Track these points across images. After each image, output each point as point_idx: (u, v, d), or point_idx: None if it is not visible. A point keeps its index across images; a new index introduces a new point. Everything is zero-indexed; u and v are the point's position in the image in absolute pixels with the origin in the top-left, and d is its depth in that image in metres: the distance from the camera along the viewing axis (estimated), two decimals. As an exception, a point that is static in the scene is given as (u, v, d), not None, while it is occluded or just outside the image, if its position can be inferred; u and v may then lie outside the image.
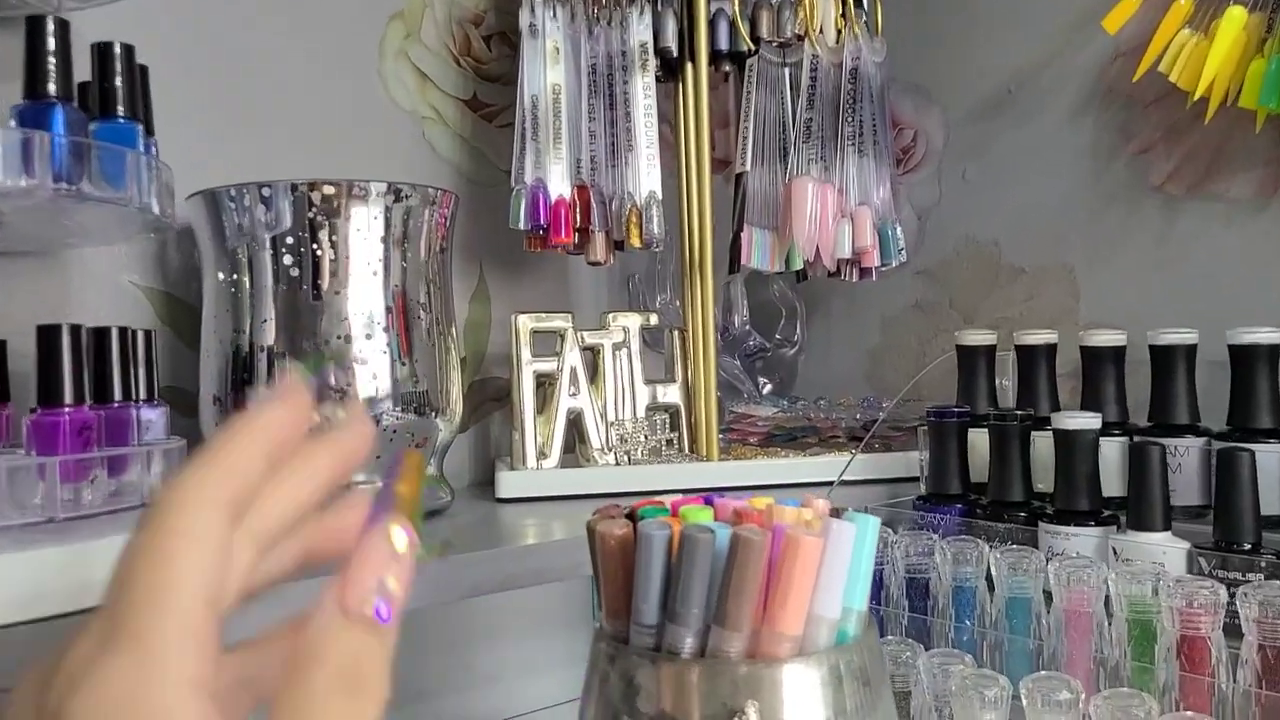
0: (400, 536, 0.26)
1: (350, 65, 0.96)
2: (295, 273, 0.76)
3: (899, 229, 0.95)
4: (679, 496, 0.50)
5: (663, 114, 0.96)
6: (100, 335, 0.64)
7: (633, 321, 0.97)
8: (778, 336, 1.15)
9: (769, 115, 0.96)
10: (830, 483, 0.90)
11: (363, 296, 0.77)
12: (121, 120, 0.65)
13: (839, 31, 0.97)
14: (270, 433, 0.28)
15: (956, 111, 1.03)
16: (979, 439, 0.83)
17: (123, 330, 0.66)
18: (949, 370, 0.89)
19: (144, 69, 0.69)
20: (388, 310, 0.77)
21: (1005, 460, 0.79)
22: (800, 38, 0.97)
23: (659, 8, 0.96)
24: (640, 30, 0.94)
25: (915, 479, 0.88)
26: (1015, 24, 0.98)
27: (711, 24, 0.97)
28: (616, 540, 0.45)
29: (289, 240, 0.75)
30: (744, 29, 0.96)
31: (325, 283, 0.76)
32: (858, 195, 0.93)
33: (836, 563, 0.42)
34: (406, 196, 0.78)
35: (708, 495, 0.49)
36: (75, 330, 0.62)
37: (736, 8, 0.96)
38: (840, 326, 1.13)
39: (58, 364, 0.60)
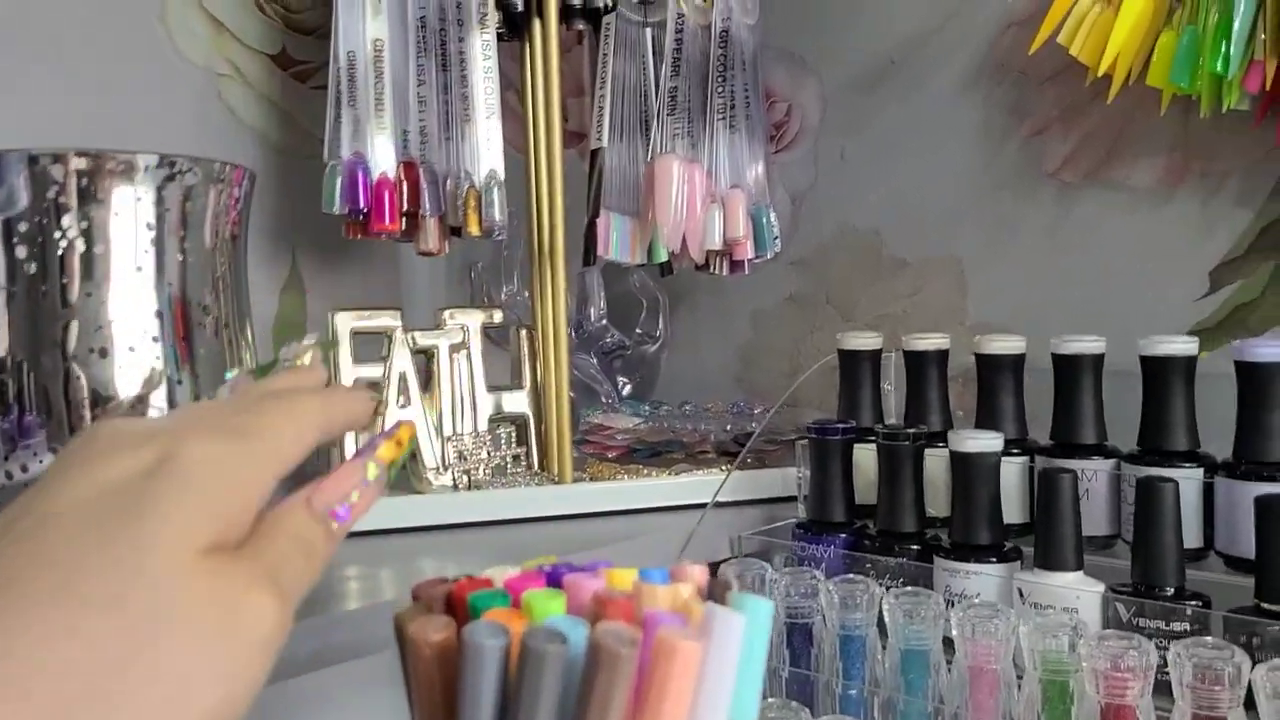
0: (375, 469, 0.31)
1: (124, 10, 0.79)
2: (32, 269, 0.60)
3: (773, 215, 0.84)
4: (517, 574, 0.38)
5: (507, 78, 0.83)
6: None
7: (473, 319, 0.83)
8: (638, 331, 1.04)
9: (628, 83, 0.83)
10: (702, 505, 0.79)
11: (125, 299, 0.61)
12: None
13: (705, -11, 0.86)
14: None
15: (834, 83, 0.93)
16: (864, 457, 0.74)
17: None
18: (826, 372, 0.79)
19: None
20: (159, 315, 0.62)
21: (896, 484, 0.69)
22: (663, -8, 0.85)
23: (499, -48, 0.83)
24: (479, -20, 0.80)
25: (793, 498, 0.79)
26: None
27: (563, -28, 0.84)
28: (434, 649, 0.33)
29: (23, 227, 0.59)
30: (600, -20, 0.83)
31: (74, 283, 0.60)
32: (729, 177, 0.82)
33: (722, 667, 0.32)
34: (184, 172, 0.63)
35: (557, 567, 0.37)
36: None
37: (593, -45, 0.83)
38: (707, 321, 1.02)
39: None
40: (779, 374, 0.97)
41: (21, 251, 0.59)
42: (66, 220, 0.59)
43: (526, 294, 1.02)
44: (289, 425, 0.30)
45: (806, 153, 0.95)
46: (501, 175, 0.79)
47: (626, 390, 1.04)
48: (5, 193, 0.59)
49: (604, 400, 1.03)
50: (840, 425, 0.73)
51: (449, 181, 0.80)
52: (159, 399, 0.62)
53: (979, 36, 0.84)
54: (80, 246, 0.60)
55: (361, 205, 0.77)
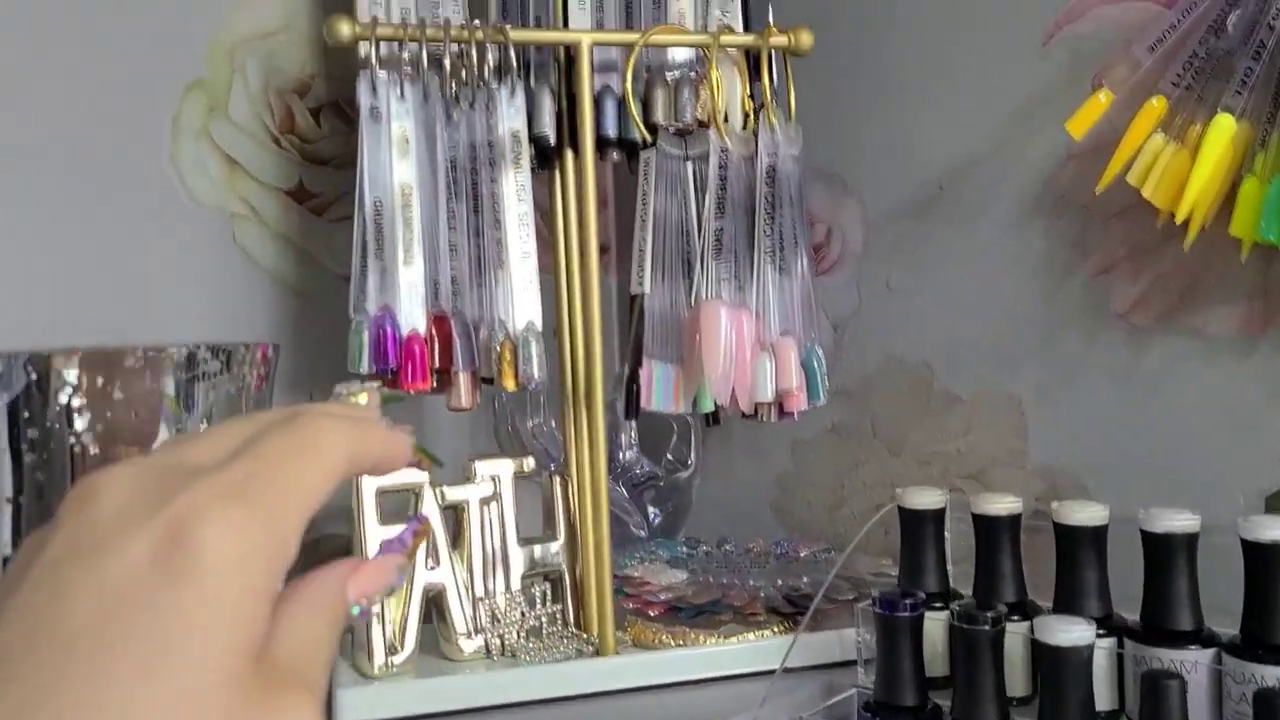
0: (406, 567, 0.29)
1: (135, 150, 0.74)
2: (40, 477, 0.54)
3: (821, 355, 0.79)
4: None
5: (537, 202, 0.78)
6: None
7: (504, 468, 0.78)
8: (669, 458, 0.99)
9: (670, 221, 0.79)
10: (757, 673, 0.74)
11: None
12: None
13: (746, 115, 0.81)
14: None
15: (877, 207, 0.89)
16: (934, 628, 0.69)
17: None
18: (873, 509, 0.75)
19: None
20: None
21: (974, 670, 0.64)
22: (703, 124, 0.80)
23: (532, 85, 0.78)
24: (511, 115, 0.75)
25: (851, 663, 0.74)
26: (948, 109, 0.84)
27: (597, 104, 0.79)
28: None
29: (32, 433, 0.54)
30: (636, 112, 0.79)
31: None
32: (779, 322, 0.77)
33: None
34: (204, 362, 0.58)
35: None
36: None
37: (628, 85, 0.78)
38: (742, 449, 0.97)
39: None
40: (821, 508, 0.92)
41: (29, 458, 0.54)
42: (80, 424, 0.54)
43: (554, 424, 0.97)
44: (312, 466, 0.26)
45: (849, 278, 0.91)
46: (539, 325, 0.74)
47: (658, 521, 0.99)
48: (7, 389, 0.54)
49: (635, 531, 0.98)
50: (909, 600, 0.68)
51: (482, 330, 0.75)
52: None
53: (1035, 167, 0.80)
54: (93, 450, 0.55)
55: (390, 364, 0.72)
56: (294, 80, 0.82)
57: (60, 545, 0.23)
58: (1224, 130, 0.68)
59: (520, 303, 0.74)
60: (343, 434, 0.27)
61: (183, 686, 0.22)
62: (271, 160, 0.81)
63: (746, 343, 0.76)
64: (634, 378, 0.77)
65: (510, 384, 0.74)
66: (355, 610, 0.27)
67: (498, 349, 0.74)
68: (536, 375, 0.73)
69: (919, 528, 0.72)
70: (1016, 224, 0.81)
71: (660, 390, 0.77)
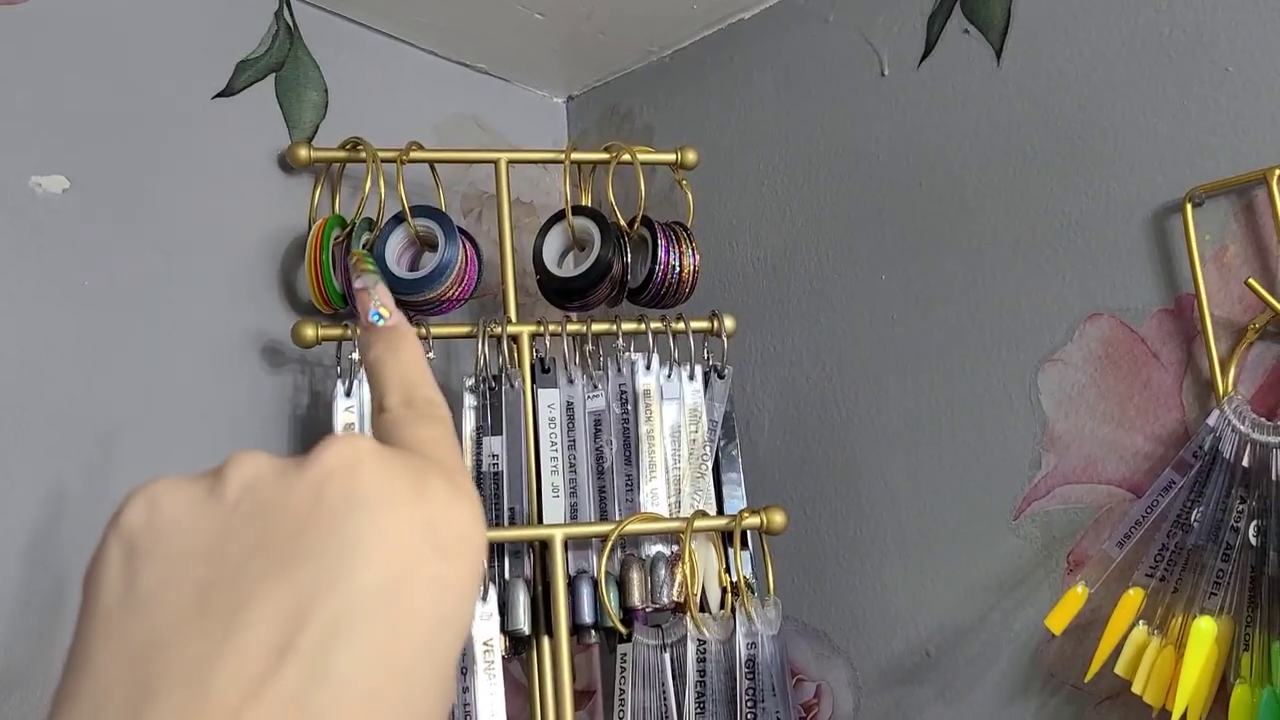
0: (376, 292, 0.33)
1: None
2: None
3: None
4: None
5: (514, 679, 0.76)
6: None
7: None
8: None
9: (649, 714, 0.76)
10: None
11: None
12: None
13: (724, 590, 0.81)
14: None
15: (866, 669, 0.86)
16: None
17: None
18: None
19: None
20: None
21: None
22: (679, 605, 0.80)
23: (506, 579, 0.78)
24: (483, 620, 0.74)
25: None
26: (928, 577, 0.84)
27: (572, 589, 0.79)
28: None
29: None
30: (612, 603, 0.78)
31: None
32: (769, 829, 0.73)
33: None
34: None
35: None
36: None
37: (602, 572, 0.78)
38: None
39: None
40: None
41: None
42: None
43: None
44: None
45: (848, 743, 0.87)
46: None
47: None
48: None
49: None
50: None
51: None
52: None
53: (1020, 642, 0.78)
54: None
55: None
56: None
57: (339, 497, 0.25)
58: (1206, 635, 0.67)
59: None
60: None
61: (452, 645, 0.25)
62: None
63: None
64: None
65: None
66: (379, 316, 0.31)
67: None
68: None
69: None
70: (1009, 700, 0.78)
71: None
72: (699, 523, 0.80)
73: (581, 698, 1.00)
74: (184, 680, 0.22)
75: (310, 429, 0.86)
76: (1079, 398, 0.78)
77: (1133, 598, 0.71)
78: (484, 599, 0.75)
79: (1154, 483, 0.72)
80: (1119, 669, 0.70)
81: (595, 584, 0.79)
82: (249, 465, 0.26)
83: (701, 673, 0.76)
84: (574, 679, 0.78)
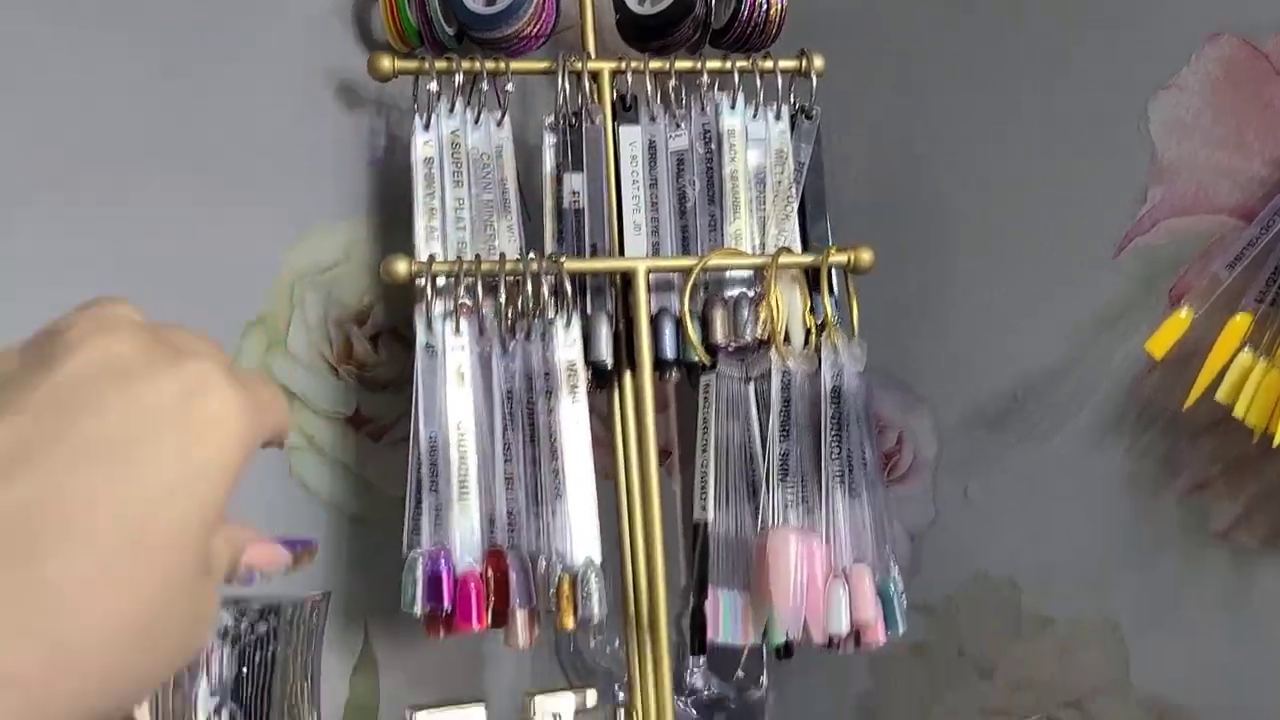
0: (283, 567, 0.31)
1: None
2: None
3: (899, 580, 0.75)
4: None
5: (596, 409, 0.77)
6: None
7: (565, 704, 0.74)
8: (739, 674, 0.93)
9: (732, 445, 0.76)
10: None
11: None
12: None
13: (808, 331, 0.80)
14: None
15: (949, 416, 0.85)
16: None
17: None
18: None
19: None
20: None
21: None
22: (763, 342, 0.79)
23: (589, 311, 0.77)
24: (567, 345, 0.74)
25: None
26: (1019, 320, 0.81)
27: (655, 326, 0.78)
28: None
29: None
30: (695, 335, 0.77)
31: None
32: (852, 549, 0.73)
33: None
34: (253, 624, 0.56)
35: None
36: None
37: (685, 306, 0.77)
38: (818, 666, 0.91)
39: None
40: (910, 732, 0.86)
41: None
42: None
43: (617, 643, 0.92)
44: (272, 401, 0.29)
45: (924, 488, 0.87)
46: (599, 559, 0.72)
47: (729, 745, 0.93)
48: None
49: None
50: None
51: (540, 562, 0.72)
52: None
53: (1115, 379, 0.76)
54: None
55: (445, 605, 0.69)
56: (353, 311, 0.82)
57: (86, 364, 0.24)
58: (1317, 350, 0.64)
59: (579, 535, 0.72)
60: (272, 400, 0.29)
61: (188, 513, 0.24)
62: (328, 390, 0.81)
63: (819, 572, 0.72)
64: (699, 609, 0.73)
65: (569, 622, 0.70)
66: (241, 572, 0.29)
67: (555, 583, 0.71)
68: (596, 613, 0.70)
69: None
70: (1099, 438, 0.77)
71: (728, 621, 0.73)
72: (784, 259, 0.78)
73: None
74: None
75: (387, 173, 0.85)
76: (1193, 124, 0.74)
77: (1239, 323, 0.68)
78: (567, 327, 0.75)
79: (1269, 204, 0.68)
80: (1220, 395, 0.68)
81: (678, 321, 0.78)
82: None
83: (786, 401, 0.75)
84: (657, 409, 0.78)
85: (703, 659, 0.92)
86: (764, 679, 0.93)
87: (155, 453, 0.24)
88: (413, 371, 0.73)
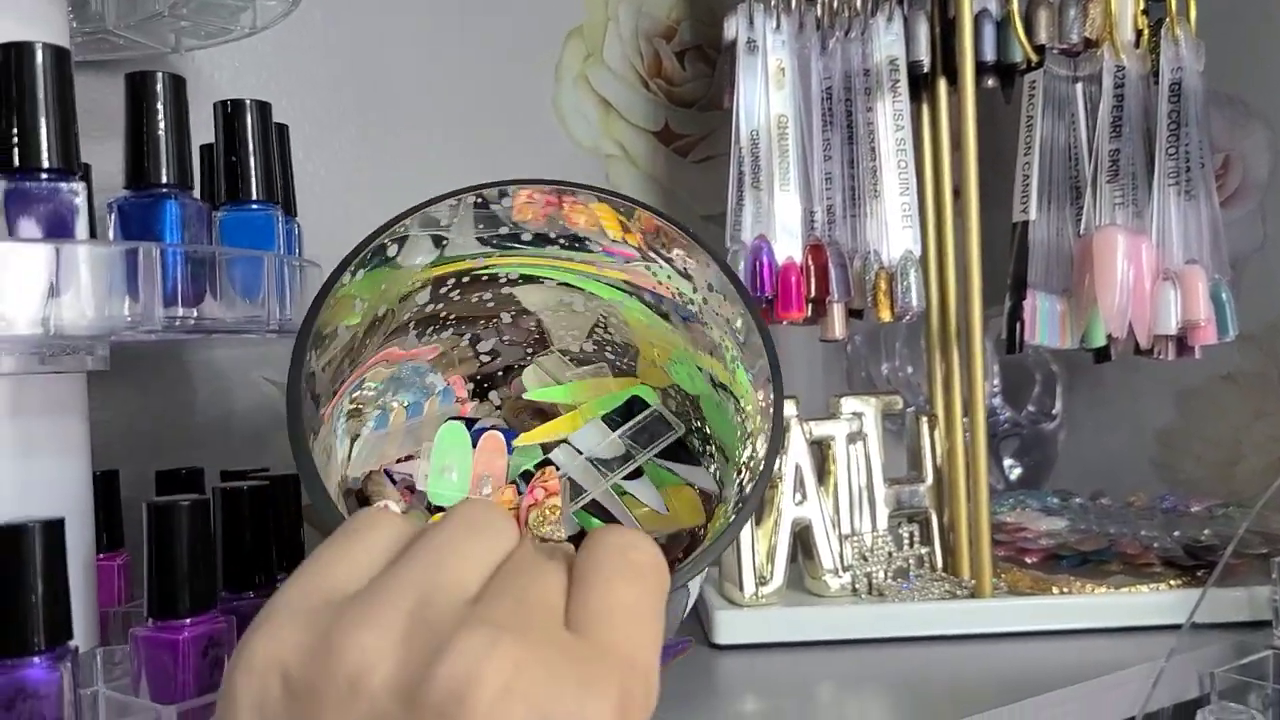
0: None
1: (522, 96, 0.78)
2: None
3: (1229, 290, 0.72)
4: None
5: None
6: (234, 499, 0.48)
7: (871, 407, 0.77)
8: (1030, 409, 0.94)
9: (1057, 145, 0.74)
10: (1149, 628, 0.69)
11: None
12: (255, 206, 0.48)
13: (1139, 33, 0.75)
14: None
15: (1289, 128, 0.80)
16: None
17: (264, 486, 0.49)
18: None
19: (282, 130, 0.52)
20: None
21: None
22: (1090, 43, 0.75)
23: (908, 10, 0.76)
24: (889, 42, 0.73)
25: (1265, 623, 0.67)
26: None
27: (974, 27, 0.76)
28: None
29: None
30: (1020, 32, 0.74)
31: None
32: (1183, 251, 0.71)
33: None
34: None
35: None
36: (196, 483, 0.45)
37: (1015, 4, 0.74)
38: (1115, 399, 0.90)
39: (173, 547, 0.43)
40: (1214, 464, 0.84)
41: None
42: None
43: (910, 370, 0.94)
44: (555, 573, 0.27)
45: (1251, 212, 0.82)
46: (918, 253, 0.72)
47: (1015, 475, 0.94)
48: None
49: (992, 485, 0.93)
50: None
51: (855, 260, 0.74)
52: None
53: None
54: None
55: (767, 292, 0.72)
56: (661, 25, 0.84)
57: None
58: None
59: (896, 232, 0.72)
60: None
61: None
62: (640, 103, 0.84)
63: (1146, 272, 0.70)
64: (1016, 310, 0.73)
65: (886, 314, 0.72)
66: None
67: (872, 279, 0.72)
68: (916, 304, 0.71)
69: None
70: None
71: (1045, 323, 0.73)
72: (1122, -52, 0.73)
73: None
74: None
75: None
76: None
77: None
78: (889, 22, 0.73)
79: None
80: None
81: (998, 23, 0.75)
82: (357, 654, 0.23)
83: (1119, 98, 0.72)
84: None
85: (997, 391, 0.93)
86: (1056, 411, 0.93)
87: None
88: (717, 92, 0.74)
